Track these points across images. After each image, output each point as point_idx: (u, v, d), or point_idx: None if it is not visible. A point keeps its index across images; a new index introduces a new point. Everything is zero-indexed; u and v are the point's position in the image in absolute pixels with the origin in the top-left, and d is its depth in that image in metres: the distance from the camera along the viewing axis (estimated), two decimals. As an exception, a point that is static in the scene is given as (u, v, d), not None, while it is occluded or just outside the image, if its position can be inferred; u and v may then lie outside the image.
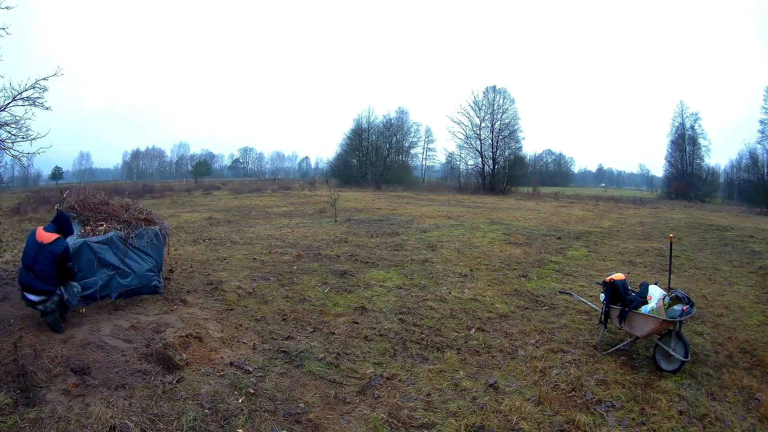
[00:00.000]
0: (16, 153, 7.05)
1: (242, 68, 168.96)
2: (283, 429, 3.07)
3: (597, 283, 5.95)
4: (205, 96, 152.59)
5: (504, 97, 40.30)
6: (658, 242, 11.28)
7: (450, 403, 3.48)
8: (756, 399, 3.60)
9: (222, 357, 4.07)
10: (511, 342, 4.74)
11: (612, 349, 4.46)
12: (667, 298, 4.12)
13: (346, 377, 3.88)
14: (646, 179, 77.56)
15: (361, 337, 4.71)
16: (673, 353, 3.99)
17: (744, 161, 39.62)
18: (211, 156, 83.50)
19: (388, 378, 3.86)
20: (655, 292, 4.26)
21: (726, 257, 9.70)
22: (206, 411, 3.18)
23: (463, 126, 41.06)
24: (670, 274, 5.10)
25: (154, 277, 5.59)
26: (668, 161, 45.41)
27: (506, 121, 40.08)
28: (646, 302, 4.24)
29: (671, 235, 5.29)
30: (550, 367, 4.11)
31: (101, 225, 5.54)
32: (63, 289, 4.34)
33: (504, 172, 39.01)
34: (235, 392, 3.48)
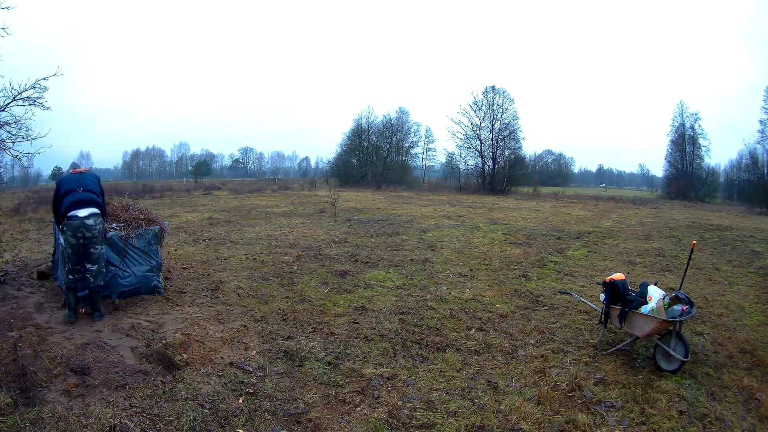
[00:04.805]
0: (16, 153, 7.05)
1: (243, 68, 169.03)
2: (283, 429, 3.07)
3: (597, 283, 5.95)
4: (205, 96, 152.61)
5: (504, 97, 40.36)
6: (658, 242, 11.28)
7: (450, 403, 3.48)
8: (756, 399, 3.60)
9: (222, 357, 4.07)
10: (511, 342, 4.74)
11: (612, 349, 4.46)
12: (667, 298, 4.12)
13: (346, 377, 3.87)
14: (646, 179, 77.60)
15: (361, 337, 4.71)
16: (673, 353, 3.99)
17: (744, 161, 39.67)
18: (211, 156, 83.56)
19: (388, 378, 3.86)
20: (655, 293, 4.26)
21: (726, 257, 9.70)
22: (206, 411, 3.18)
23: (463, 126, 41.12)
24: (683, 279, 4.99)
25: (154, 277, 5.59)
26: (668, 161, 45.48)
27: (506, 121, 40.14)
28: (646, 302, 4.24)
29: (694, 242, 5.19)
30: (550, 367, 4.11)
31: (101, 225, 5.54)
32: None
33: (504, 172, 39.02)
34: (235, 392, 3.48)
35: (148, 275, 5.52)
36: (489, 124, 40.22)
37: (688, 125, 43.84)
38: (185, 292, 5.96)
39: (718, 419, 3.33)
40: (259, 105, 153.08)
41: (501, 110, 40.19)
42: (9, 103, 6.82)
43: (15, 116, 6.88)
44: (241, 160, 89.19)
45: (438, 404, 3.47)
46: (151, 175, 78.32)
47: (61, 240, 4.82)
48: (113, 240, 5.29)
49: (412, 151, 52.33)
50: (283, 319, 5.18)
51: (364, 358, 4.26)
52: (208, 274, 6.99)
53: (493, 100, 40.34)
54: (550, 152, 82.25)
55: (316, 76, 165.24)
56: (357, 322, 5.12)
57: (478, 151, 40.34)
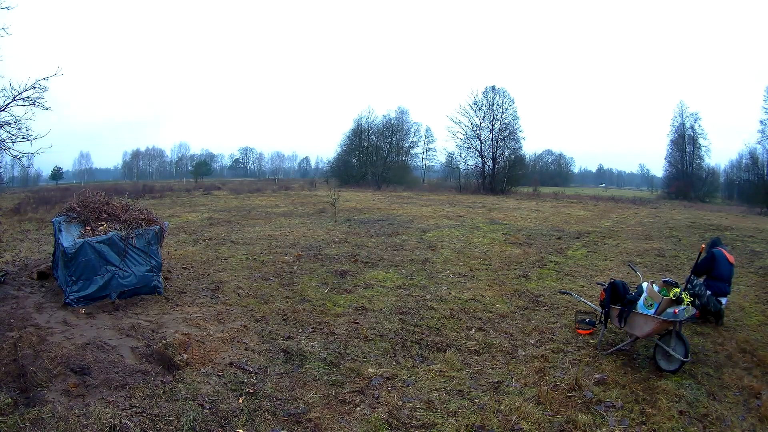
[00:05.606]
0: (16, 153, 7.05)
1: (242, 68, 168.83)
2: (283, 429, 3.08)
3: (597, 283, 5.96)
4: (205, 96, 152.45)
5: (504, 97, 40.30)
6: (658, 242, 11.28)
7: (450, 403, 3.48)
8: (757, 399, 3.60)
9: (222, 357, 4.08)
10: (511, 342, 4.74)
11: (612, 349, 4.46)
12: (654, 285, 4.15)
13: (346, 377, 3.88)
14: (646, 179, 77.49)
15: (361, 337, 4.71)
16: (673, 353, 3.99)
17: (744, 161, 39.56)
18: (211, 156, 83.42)
19: (388, 378, 3.86)
20: (645, 285, 4.31)
21: (726, 257, 9.68)
22: (206, 411, 3.18)
23: (463, 126, 41.06)
24: (688, 281, 5.13)
25: (154, 277, 5.59)
26: (668, 161, 45.40)
27: (506, 121, 40.08)
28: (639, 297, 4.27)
29: (703, 245, 5.27)
30: (550, 367, 4.11)
31: (101, 225, 5.55)
32: None
33: (504, 172, 39.01)
34: (235, 392, 3.48)
35: (148, 275, 5.52)
36: (489, 124, 40.21)
37: (688, 125, 43.81)
38: (185, 292, 5.96)
39: (718, 419, 3.33)
40: (260, 105, 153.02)
41: (501, 110, 40.17)
42: (9, 103, 6.82)
43: (15, 116, 6.88)
44: (241, 160, 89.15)
45: (438, 404, 3.47)
46: (151, 175, 78.24)
47: None
48: (113, 240, 5.30)
49: (412, 151, 52.36)
50: (283, 319, 5.18)
51: (364, 357, 4.26)
52: (208, 274, 7.00)
53: (493, 100, 40.33)
54: (550, 152, 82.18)
55: (316, 76, 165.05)
56: (357, 322, 5.12)
57: (478, 151, 40.33)
